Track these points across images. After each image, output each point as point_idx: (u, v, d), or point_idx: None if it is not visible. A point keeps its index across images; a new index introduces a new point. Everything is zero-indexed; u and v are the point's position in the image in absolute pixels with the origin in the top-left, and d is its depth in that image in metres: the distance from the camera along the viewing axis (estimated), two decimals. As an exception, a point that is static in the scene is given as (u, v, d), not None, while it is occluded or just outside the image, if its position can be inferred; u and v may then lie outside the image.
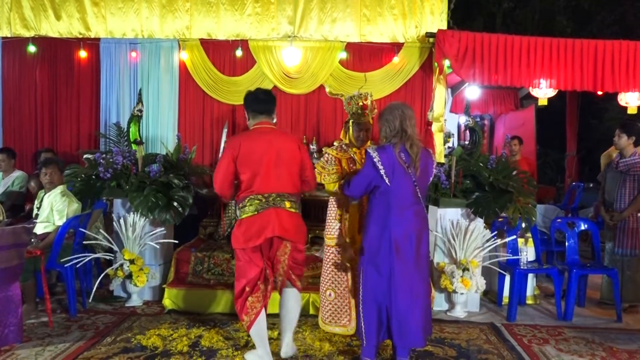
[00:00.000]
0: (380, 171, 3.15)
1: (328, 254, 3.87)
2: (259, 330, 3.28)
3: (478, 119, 7.89)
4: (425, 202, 3.45)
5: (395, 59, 6.39)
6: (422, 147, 3.26)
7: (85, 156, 5.55)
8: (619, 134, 4.71)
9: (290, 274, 3.41)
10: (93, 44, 6.58)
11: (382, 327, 3.26)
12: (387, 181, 3.16)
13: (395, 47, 6.42)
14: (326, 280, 3.86)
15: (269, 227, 3.22)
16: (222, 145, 6.00)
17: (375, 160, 3.16)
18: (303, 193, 3.67)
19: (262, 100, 3.41)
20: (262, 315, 3.29)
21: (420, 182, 3.23)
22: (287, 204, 3.28)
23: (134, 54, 6.52)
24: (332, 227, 3.83)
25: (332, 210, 3.85)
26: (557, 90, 5.98)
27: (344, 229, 3.67)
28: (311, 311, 4.35)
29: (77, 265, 4.37)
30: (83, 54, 6.56)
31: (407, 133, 3.18)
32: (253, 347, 3.65)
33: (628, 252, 4.66)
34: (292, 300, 3.46)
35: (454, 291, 4.42)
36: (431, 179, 3.37)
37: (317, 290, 4.12)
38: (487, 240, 4.58)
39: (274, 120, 3.50)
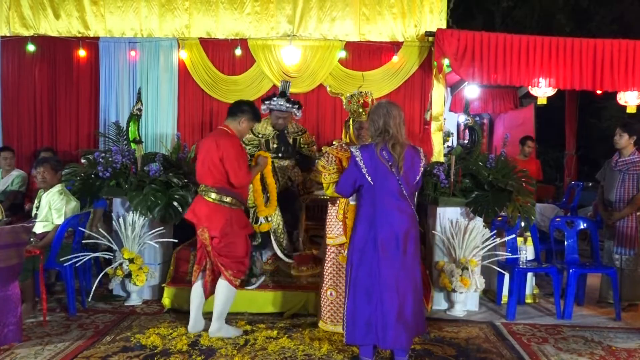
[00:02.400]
0: (362, 170, 3.16)
1: (329, 253, 3.87)
2: (191, 295, 3.90)
3: (477, 118, 7.89)
4: (417, 200, 3.45)
5: (395, 58, 6.39)
6: (408, 146, 3.24)
7: (83, 157, 5.55)
8: (619, 133, 4.71)
9: (217, 262, 3.80)
10: (92, 43, 6.57)
11: (371, 327, 3.20)
12: (369, 180, 3.16)
13: (394, 46, 6.43)
14: (327, 280, 3.86)
15: (187, 211, 3.89)
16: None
17: (357, 159, 3.17)
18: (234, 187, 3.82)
19: (231, 106, 3.93)
20: (196, 285, 3.88)
21: (405, 181, 3.20)
22: (208, 194, 3.73)
23: (133, 53, 6.52)
24: (333, 227, 3.83)
25: (333, 210, 3.86)
26: (556, 90, 5.99)
27: (346, 228, 3.68)
28: (310, 310, 4.35)
29: (77, 265, 4.37)
30: (82, 53, 6.56)
31: (389, 133, 3.16)
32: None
33: (627, 251, 4.66)
34: (217, 288, 3.82)
35: (453, 290, 4.42)
36: (419, 177, 3.30)
37: (316, 289, 4.12)
38: (486, 239, 4.58)
39: (239, 123, 3.84)
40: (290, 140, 4.69)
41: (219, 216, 3.71)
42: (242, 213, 3.90)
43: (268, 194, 4.34)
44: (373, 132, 3.24)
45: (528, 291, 4.94)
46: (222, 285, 3.79)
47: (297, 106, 4.53)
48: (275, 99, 4.44)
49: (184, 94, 6.59)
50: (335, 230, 3.81)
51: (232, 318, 4.23)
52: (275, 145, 4.64)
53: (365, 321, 3.21)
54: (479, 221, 4.63)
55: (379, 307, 3.15)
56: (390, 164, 3.16)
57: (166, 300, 4.43)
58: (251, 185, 4.22)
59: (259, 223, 4.31)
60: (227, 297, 3.80)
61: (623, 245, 4.67)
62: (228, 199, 3.72)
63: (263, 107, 4.49)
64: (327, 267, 3.88)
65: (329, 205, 3.93)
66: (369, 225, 3.20)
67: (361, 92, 3.78)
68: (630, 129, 4.69)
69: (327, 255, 3.89)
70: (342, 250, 3.73)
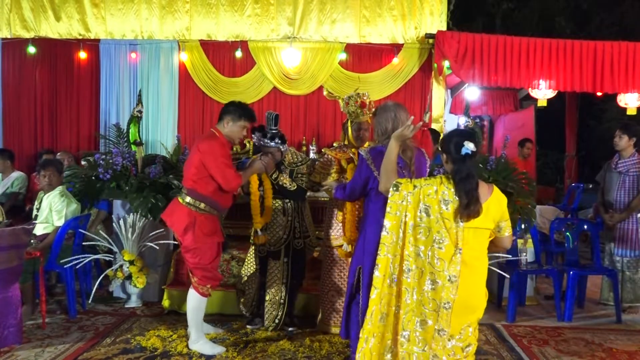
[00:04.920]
0: (374, 172, 3.08)
1: (330, 255, 3.86)
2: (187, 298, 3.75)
3: (477, 120, 7.89)
4: None
5: (395, 60, 6.41)
6: (415, 148, 3.21)
7: (84, 159, 5.55)
8: (619, 135, 4.72)
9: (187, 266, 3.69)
10: (93, 45, 6.59)
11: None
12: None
13: (394, 48, 6.44)
14: (328, 282, 3.86)
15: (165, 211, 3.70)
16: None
17: (368, 161, 3.10)
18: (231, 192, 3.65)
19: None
20: (191, 288, 3.66)
21: None
22: (183, 197, 3.54)
23: (133, 55, 6.54)
24: (334, 228, 3.83)
25: (333, 212, 3.85)
26: (556, 92, 5.99)
27: (345, 230, 3.65)
28: (311, 312, 4.34)
29: (77, 266, 4.37)
30: (83, 55, 6.58)
31: None
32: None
33: (627, 253, 4.66)
34: (188, 295, 3.66)
35: (454, 292, 4.41)
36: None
37: (317, 291, 4.12)
38: (487, 241, 4.58)
39: (224, 126, 3.55)
40: (287, 173, 4.02)
41: (182, 218, 3.48)
42: (213, 219, 3.55)
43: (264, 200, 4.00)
44: (380, 135, 3.14)
45: (528, 293, 4.94)
46: (190, 292, 3.61)
47: (280, 141, 3.91)
48: (257, 133, 3.93)
49: (184, 96, 6.60)
50: (336, 232, 3.80)
51: (231, 320, 4.23)
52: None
53: None
54: (479, 223, 4.62)
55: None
56: (401, 166, 3.09)
57: (166, 302, 4.43)
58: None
59: (257, 235, 3.95)
60: (194, 306, 3.60)
61: (624, 247, 4.67)
62: (196, 203, 3.47)
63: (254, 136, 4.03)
64: (328, 269, 3.87)
65: (329, 206, 3.93)
66: (380, 228, 3.14)
67: (358, 94, 3.75)
68: (630, 131, 4.69)
69: (328, 258, 3.89)
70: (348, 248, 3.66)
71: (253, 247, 4.14)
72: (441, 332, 2.38)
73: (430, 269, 2.38)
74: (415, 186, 2.43)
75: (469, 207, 2.33)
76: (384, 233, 2.47)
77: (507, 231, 2.52)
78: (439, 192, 2.39)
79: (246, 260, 4.20)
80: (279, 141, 3.92)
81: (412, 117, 2.73)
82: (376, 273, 2.49)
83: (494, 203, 2.45)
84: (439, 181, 2.42)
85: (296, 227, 4.05)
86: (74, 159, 6.01)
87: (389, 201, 2.46)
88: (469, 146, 2.39)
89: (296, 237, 4.05)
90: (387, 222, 2.47)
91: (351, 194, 3.22)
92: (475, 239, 2.42)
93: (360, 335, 2.56)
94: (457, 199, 2.36)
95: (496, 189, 2.50)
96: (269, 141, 3.89)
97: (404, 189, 2.44)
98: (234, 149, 6.37)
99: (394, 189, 2.45)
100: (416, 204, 2.40)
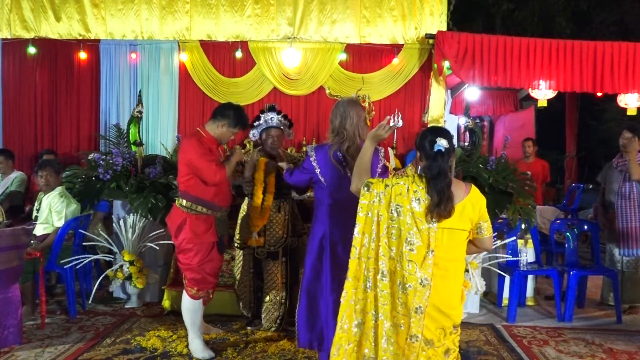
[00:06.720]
0: (316, 170, 3.08)
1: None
2: None
3: (477, 120, 7.89)
4: None
5: (395, 60, 6.40)
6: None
7: (88, 157, 5.55)
8: (629, 138, 4.57)
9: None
10: (93, 46, 6.59)
11: (315, 329, 3.13)
12: (322, 180, 3.08)
13: (394, 49, 6.44)
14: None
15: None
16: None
17: (311, 158, 3.10)
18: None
19: (216, 107, 3.67)
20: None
21: None
22: (179, 199, 3.53)
23: (133, 56, 6.54)
24: None
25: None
26: (556, 92, 5.99)
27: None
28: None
29: (77, 267, 4.37)
30: (83, 55, 6.58)
31: (344, 135, 3.04)
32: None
33: (632, 252, 4.64)
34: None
35: (454, 292, 4.41)
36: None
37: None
38: (487, 242, 4.57)
39: (217, 127, 3.54)
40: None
41: (176, 219, 3.50)
42: (206, 219, 3.50)
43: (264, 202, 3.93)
44: (330, 132, 3.13)
45: (529, 293, 4.94)
46: (183, 293, 3.58)
47: (288, 122, 4.01)
48: (264, 113, 3.97)
49: (184, 96, 6.60)
50: None
51: (231, 320, 4.23)
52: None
53: (314, 324, 3.14)
54: (479, 223, 4.61)
55: (324, 312, 3.05)
56: (344, 165, 3.06)
57: (166, 303, 4.43)
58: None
59: (256, 238, 3.89)
60: (186, 307, 3.56)
61: (628, 246, 4.61)
62: (193, 206, 3.45)
63: (253, 131, 4.02)
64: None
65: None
66: (322, 226, 3.12)
67: (358, 96, 3.76)
68: (638, 132, 4.61)
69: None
70: None
71: (242, 251, 4.09)
72: (413, 339, 2.27)
73: (401, 272, 2.28)
74: (386, 185, 2.34)
75: (439, 206, 2.25)
76: (354, 235, 2.36)
77: (487, 232, 2.42)
78: (411, 191, 2.31)
79: (235, 264, 4.18)
80: (287, 122, 4.00)
81: (388, 117, 2.59)
82: (347, 277, 2.37)
83: (470, 203, 2.35)
84: (410, 180, 2.34)
85: (290, 226, 4.05)
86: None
87: (359, 202, 2.37)
88: (442, 143, 2.31)
89: (290, 236, 4.06)
90: (357, 224, 2.36)
91: (296, 180, 3.27)
92: (450, 241, 2.32)
93: (333, 341, 2.41)
94: (429, 197, 2.27)
95: (474, 189, 2.39)
96: (282, 119, 3.94)
97: (375, 188, 2.35)
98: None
99: (365, 189, 2.36)
100: (388, 203, 2.32)
